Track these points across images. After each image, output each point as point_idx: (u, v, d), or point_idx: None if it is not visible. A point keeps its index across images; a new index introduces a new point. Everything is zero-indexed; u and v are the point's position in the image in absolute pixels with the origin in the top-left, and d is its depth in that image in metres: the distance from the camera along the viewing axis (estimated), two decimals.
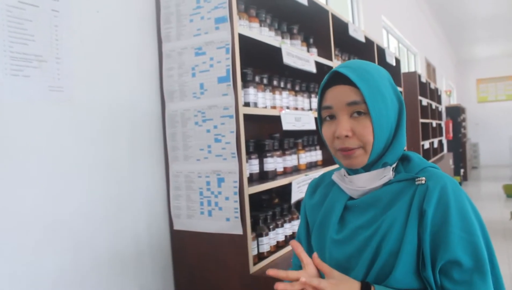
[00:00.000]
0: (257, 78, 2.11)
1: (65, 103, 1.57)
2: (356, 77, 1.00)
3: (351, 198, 1.10)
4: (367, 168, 1.06)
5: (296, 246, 1.00)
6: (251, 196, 1.87)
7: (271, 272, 0.94)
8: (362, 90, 0.99)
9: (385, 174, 1.04)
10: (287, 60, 2.13)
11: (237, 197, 1.76)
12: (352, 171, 1.09)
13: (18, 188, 1.40)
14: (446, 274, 0.93)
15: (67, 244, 1.55)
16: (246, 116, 1.87)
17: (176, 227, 1.95)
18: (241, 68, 1.88)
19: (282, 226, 2.09)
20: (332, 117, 1.05)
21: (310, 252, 1.21)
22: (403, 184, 1.02)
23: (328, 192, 1.18)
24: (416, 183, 0.99)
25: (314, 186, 1.26)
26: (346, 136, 1.01)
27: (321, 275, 0.99)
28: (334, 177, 1.14)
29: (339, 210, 1.09)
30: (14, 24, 1.41)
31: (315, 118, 2.41)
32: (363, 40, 3.38)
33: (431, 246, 0.94)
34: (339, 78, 1.03)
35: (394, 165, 1.07)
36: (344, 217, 1.09)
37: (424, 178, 0.99)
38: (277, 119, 2.10)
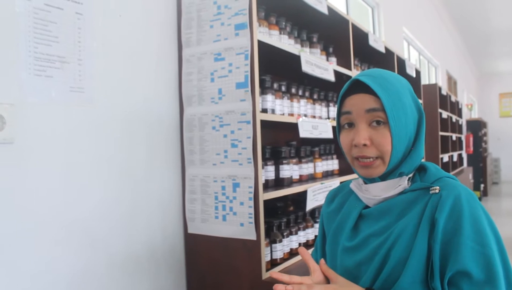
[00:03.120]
0: (275, 85, 2.12)
1: (85, 104, 1.59)
2: (376, 86, 1.00)
3: (367, 207, 1.09)
4: (383, 177, 1.06)
5: (303, 253, 1.02)
6: (266, 202, 1.87)
7: (275, 274, 0.95)
8: (382, 99, 0.99)
9: (400, 183, 1.03)
10: (306, 68, 2.13)
11: (251, 203, 1.76)
12: (368, 180, 1.08)
13: (36, 187, 1.43)
14: (456, 285, 0.90)
15: (82, 244, 1.57)
16: (264, 123, 1.87)
17: (190, 230, 1.96)
18: (260, 75, 1.90)
19: (296, 233, 2.09)
20: (351, 125, 1.04)
21: (322, 252, 1.22)
22: (417, 193, 1.01)
23: (346, 201, 1.18)
24: (430, 192, 0.98)
25: (333, 195, 1.26)
26: (364, 145, 1.00)
27: (328, 282, 1.00)
28: (352, 185, 1.14)
29: (353, 218, 1.09)
30: (39, 26, 1.45)
31: (333, 127, 2.40)
32: (383, 50, 3.37)
33: (441, 256, 0.92)
34: (359, 87, 1.03)
35: (410, 175, 1.06)
36: (358, 225, 1.09)
37: (438, 187, 0.97)
38: (294, 127, 2.11)
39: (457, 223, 0.92)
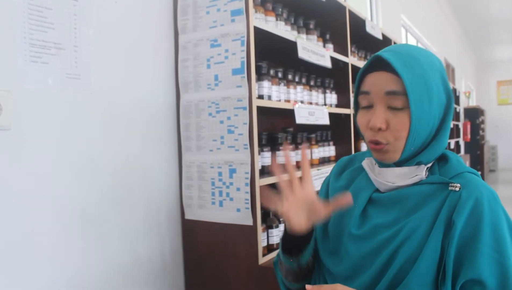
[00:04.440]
0: (272, 72, 2.12)
1: (82, 90, 1.60)
2: (400, 64, 0.91)
3: (377, 190, 1.03)
4: (400, 163, 0.98)
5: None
6: (263, 188, 1.88)
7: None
8: (404, 80, 0.90)
9: (417, 173, 0.97)
10: (302, 54, 2.14)
11: (248, 188, 1.78)
12: (382, 164, 1.01)
13: (34, 173, 1.44)
14: None
15: (79, 231, 1.58)
16: (260, 109, 1.88)
17: (188, 216, 1.97)
18: (256, 61, 1.90)
19: None
20: (369, 104, 0.97)
21: (323, 232, 1.12)
22: (434, 187, 0.94)
23: (355, 177, 1.11)
24: (449, 188, 0.92)
25: (342, 167, 1.18)
26: (380, 129, 0.94)
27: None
28: (365, 164, 1.06)
29: (362, 202, 1.02)
30: (34, 12, 1.45)
31: (329, 113, 2.41)
32: (380, 37, 3.36)
33: (455, 261, 0.86)
34: (381, 64, 0.94)
35: (429, 165, 0.99)
36: (366, 211, 1.02)
37: (458, 184, 0.91)
38: (291, 113, 2.11)
39: (476, 228, 0.86)
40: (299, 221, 0.99)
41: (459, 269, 0.86)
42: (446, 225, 0.89)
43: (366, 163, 1.07)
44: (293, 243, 1.04)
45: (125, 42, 1.79)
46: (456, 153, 1.05)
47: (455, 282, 0.86)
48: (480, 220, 0.87)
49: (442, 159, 1.01)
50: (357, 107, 1.03)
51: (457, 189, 0.91)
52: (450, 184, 0.92)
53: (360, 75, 1.01)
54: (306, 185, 0.99)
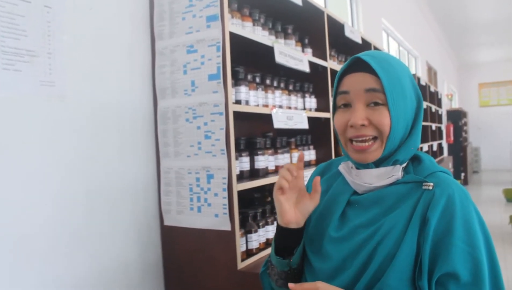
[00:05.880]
0: (249, 77, 2.13)
1: (56, 98, 1.59)
2: (377, 65, 0.98)
3: (355, 193, 1.07)
4: (377, 163, 1.03)
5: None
6: (243, 193, 1.88)
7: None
8: (381, 79, 0.96)
9: (394, 174, 1.01)
10: (280, 59, 2.15)
11: (225, 194, 1.78)
12: (361, 166, 1.05)
13: (7, 182, 1.42)
14: (443, 286, 0.89)
15: (58, 239, 1.57)
16: (239, 114, 1.88)
17: (166, 222, 1.97)
18: (234, 67, 1.90)
19: (272, 223, 2.10)
20: (347, 105, 1.02)
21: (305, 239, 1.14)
22: (409, 186, 0.99)
23: (333, 183, 1.15)
24: (423, 187, 0.96)
25: (320, 173, 1.22)
26: (362, 125, 0.98)
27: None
28: (341, 168, 1.11)
29: (341, 206, 1.06)
30: (6, 19, 1.44)
31: (308, 117, 2.42)
32: (359, 41, 3.39)
33: (431, 256, 0.90)
34: (359, 66, 1.01)
35: (404, 165, 1.04)
36: (345, 213, 1.06)
37: (432, 183, 0.95)
38: (270, 118, 2.12)
39: (449, 224, 0.91)
40: (290, 209, 1.06)
41: (434, 263, 0.90)
42: (421, 222, 0.93)
43: (343, 167, 1.11)
44: (285, 242, 1.08)
45: (101, 49, 1.78)
46: (428, 154, 1.10)
47: (431, 277, 0.90)
48: (453, 216, 0.91)
49: (416, 160, 1.06)
50: (335, 108, 1.07)
51: (431, 187, 0.95)
52: (424, 183, 0.97)
53: (338, 76, 1.05)
54: (298, 178, 1.06)
